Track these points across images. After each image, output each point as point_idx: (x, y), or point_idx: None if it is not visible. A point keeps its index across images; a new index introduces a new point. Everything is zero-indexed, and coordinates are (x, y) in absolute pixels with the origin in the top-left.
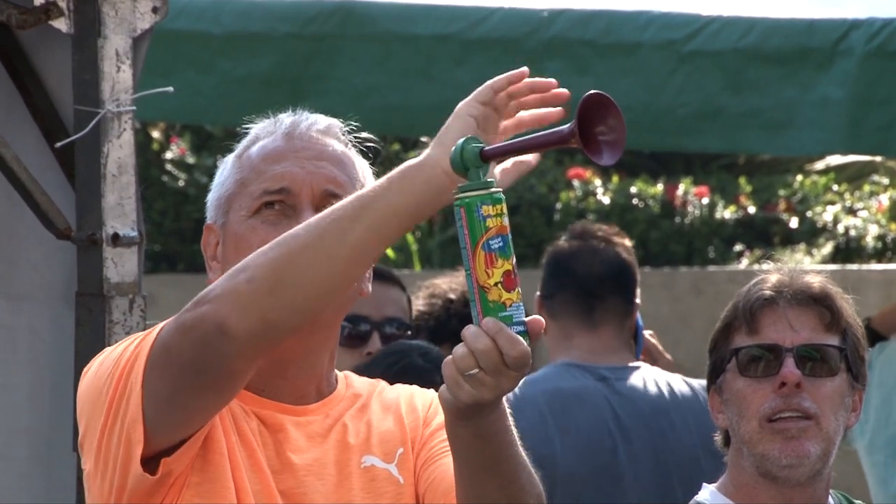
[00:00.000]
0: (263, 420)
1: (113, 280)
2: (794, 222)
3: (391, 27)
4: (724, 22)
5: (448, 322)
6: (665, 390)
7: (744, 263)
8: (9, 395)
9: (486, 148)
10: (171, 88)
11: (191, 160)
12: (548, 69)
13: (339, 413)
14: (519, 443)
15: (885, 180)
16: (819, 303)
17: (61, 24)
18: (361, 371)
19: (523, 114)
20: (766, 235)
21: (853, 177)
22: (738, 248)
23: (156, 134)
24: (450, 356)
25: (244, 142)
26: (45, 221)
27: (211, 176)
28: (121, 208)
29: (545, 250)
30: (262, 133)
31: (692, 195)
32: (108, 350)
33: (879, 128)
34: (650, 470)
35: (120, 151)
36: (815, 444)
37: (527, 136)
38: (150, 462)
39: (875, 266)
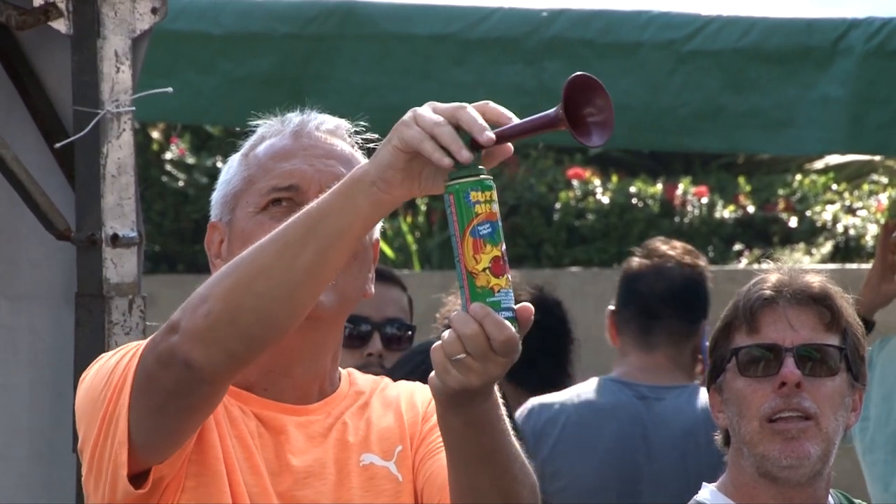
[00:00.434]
0: (264, 421)
1: (112, 281)
2: (793, 222)
3: (390, 27)
4: (723, 22)
5: None
6: (700, 411)
7: (743, 263)
8: (9, 395)
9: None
10: (170, 89)
11: (190, 161)
12: (547, 69)
13: (341, 412)
14: (512, 433)
15: (885, 179)
16: (819, 302)
17: (60, 25)
18: (391, 370)
19: None
20: (765, 235)
21: (852, 176)
22: (737, 247)
23: (155, 134)
24: (438, 342)
25: (250, 141)
26: (44, 222)
27: (211, 176)
28: (120, 209)
29: (543, 250)
30: (270, 132)
31: (691, 195)
32: (105, 356)
33: (880, 127)
34: (670, 489)
35: (119, 152)
36: (815, 445)
37: (515, 123)
38: (142, 473)
39: None
